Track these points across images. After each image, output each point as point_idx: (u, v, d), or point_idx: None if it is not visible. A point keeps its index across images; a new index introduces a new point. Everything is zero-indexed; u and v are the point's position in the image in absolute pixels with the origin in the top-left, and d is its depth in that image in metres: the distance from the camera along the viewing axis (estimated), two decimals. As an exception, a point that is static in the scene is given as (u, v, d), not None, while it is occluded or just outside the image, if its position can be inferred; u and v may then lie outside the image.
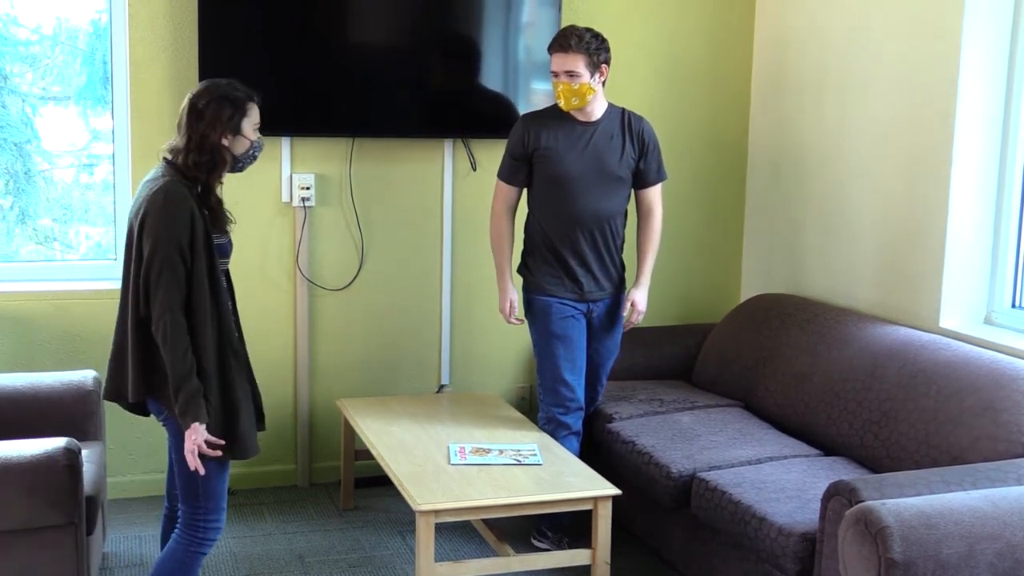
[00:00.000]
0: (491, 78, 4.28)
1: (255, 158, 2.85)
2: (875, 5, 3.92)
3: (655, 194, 3.72)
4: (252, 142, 2.80)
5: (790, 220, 4.41)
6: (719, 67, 4.60)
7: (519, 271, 3.74)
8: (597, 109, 3.58)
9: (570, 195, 3.56)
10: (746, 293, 4.66)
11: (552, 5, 4.25)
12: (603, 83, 3.57)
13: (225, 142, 2.74)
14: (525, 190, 3.70)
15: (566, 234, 3.59)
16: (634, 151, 3.62)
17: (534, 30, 4.22)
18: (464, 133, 4.30)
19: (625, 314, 3.65)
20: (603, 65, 3.51)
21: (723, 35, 4.58)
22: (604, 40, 3.52)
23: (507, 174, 3.65)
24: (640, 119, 3.66)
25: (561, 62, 3.46)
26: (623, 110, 3.65)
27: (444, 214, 4.36)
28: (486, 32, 4.21)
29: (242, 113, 2.76)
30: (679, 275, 4.56)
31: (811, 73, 4.27)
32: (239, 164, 2.82)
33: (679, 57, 4.54)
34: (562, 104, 3.52)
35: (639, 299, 3.65)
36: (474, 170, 4.35)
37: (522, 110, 4.11)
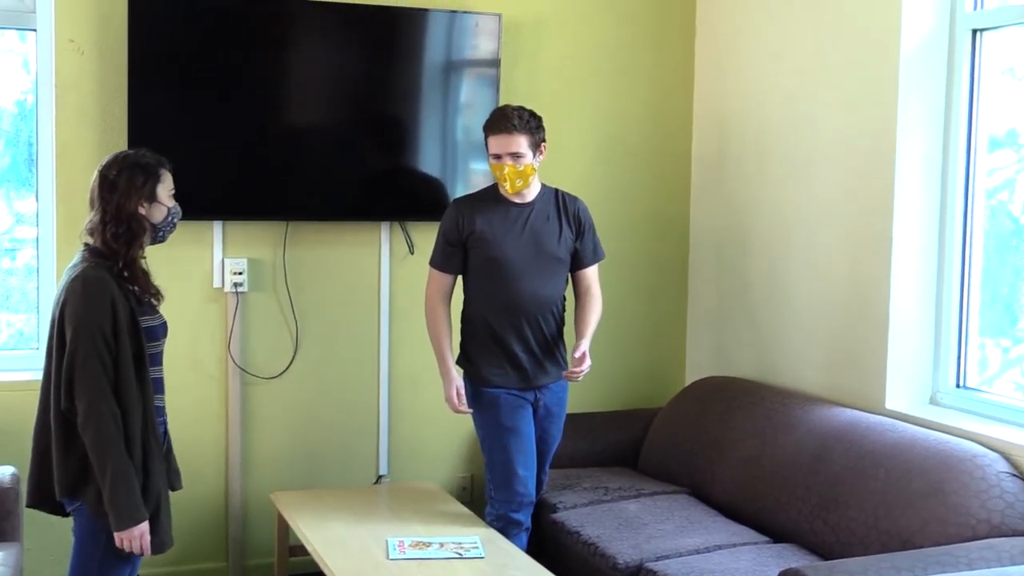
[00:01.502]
0: (429, 159, 4.30)
1: (174, 225, 2.84)
2: (813, 83, 3.96)
3: (593, 274, 3.71)
4: (169, 209, 2.80)
5: (734, 300, 4.42)
6: (658, 145, 4.64)
7: (459, 363, 3.70)
8: (532, 190, 3.59)
9: (510, 279, 3.55)
10: (691, 376, 4.65)
11: (490, 85, 4.28)
12: (540, 163, 3.59)
13: (142, 211, 2.73)
14: (460, 277, 3.70)
15: (508, 320, 3.56)
16: (571, 232, 3.63)
17: (472, 110, 4.24)
18: (401, 215, 4.30)
19: (577, 355, 3.50)
20: (542, 144, 3.54)
21: (661, 113, 4.63)
22: (540, 118, 3.54)
23: (441, 261, 3.62)
24: (575, 199, 3.68)
25: (505, 144, 3.46)
26: (556, 190, 3.66)
27: (381, 298, 4.33)
28: (423, 113, 4.24)
29: (155, 179, 2.76)
30: (621, 358, 4.55)
31: (752, 151, 4.30)
32: (159, 233, 2.81)
33: (617, 135, 4.58)
34: (507, 188, 3.52)
35: (582, 346, 3.53)
36: (411, 253, 4.35)
37: (460, 191, 4.13)
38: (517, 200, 3.57)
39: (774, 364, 4.18)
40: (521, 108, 3.51)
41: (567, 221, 3.62)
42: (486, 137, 3.52)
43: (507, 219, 3.56)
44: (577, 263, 3.68)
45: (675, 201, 4.70)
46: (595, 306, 3.68)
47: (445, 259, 3.62)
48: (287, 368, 4.23)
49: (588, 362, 3.53)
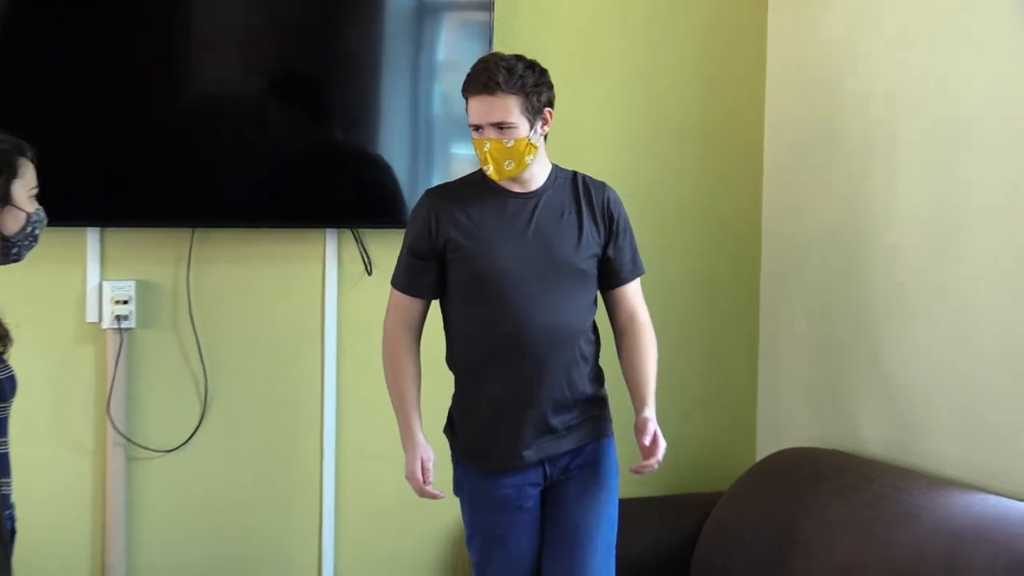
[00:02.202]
0: (392, 141, 4.28)
1: (35, 238, 2.81)
2: (953, 42, 3.95)
3: (636, 294, 3.64)
4: (29, 215, 2.77)
5: (826, 342, 4.41)
6: (715, 123, 4.63)
7: (444, 430, 3.67)
8: (539, 173, 3.55)
9: (508, 303, 3.47)
10: (764, 448, 4.63)
11: (479, 36, 4.24)
12: (545, 136, 3.53)
13: None
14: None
15: (504, 366, 3.48)
16: (598, 231, 3.56)
17: (454, 72, 4.12)
18: (354, 220, 4.26)
19: (647, 441, 3.44)
20: (546, 109, 3.48)
21: (720, 77, 4.64)
22: (544, 72, 3.49)
23: (404, 280, 3.58)
24: (602, 186, 3.63)
25: (485, 109, 3.41)
26: (574, 174, 3.63)
27: (326, 338, 4.31)
28: (384, 77, 4.21)
29: (10, 172, 2.72)
30: (665, 423, 4.31)
31: (857, 134, 4.28)
32: (14, 250, 2.78)
33: (656, 111, 4.57)
34: (491, 172, 3.47)
35: (652, 422, 3.48)
36: (369, 273, 4.32)
37: (440, 181, 4.07)
38: (517, 188, 3.53)
39: (885, 432, 4.16)
40: (513, 58, 3.47)
41: (592, 216, 3.56)
42: (466, 101, 3.50)
43: (502, 215, 3.52)
44: (611, 277, 3.60)
45: (740, 204, 4.70)
46: (647, 342, 3.61)
47: (411, 277, 3.57)
48: (190, 437, 4.19)
49: (662, 445, 3.44)
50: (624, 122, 4.59)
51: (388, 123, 4.29)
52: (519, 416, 3.52)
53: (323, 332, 4.34)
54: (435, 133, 4.34)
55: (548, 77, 3.51)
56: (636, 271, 3.67)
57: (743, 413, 4.77)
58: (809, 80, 4.53)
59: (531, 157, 3.48)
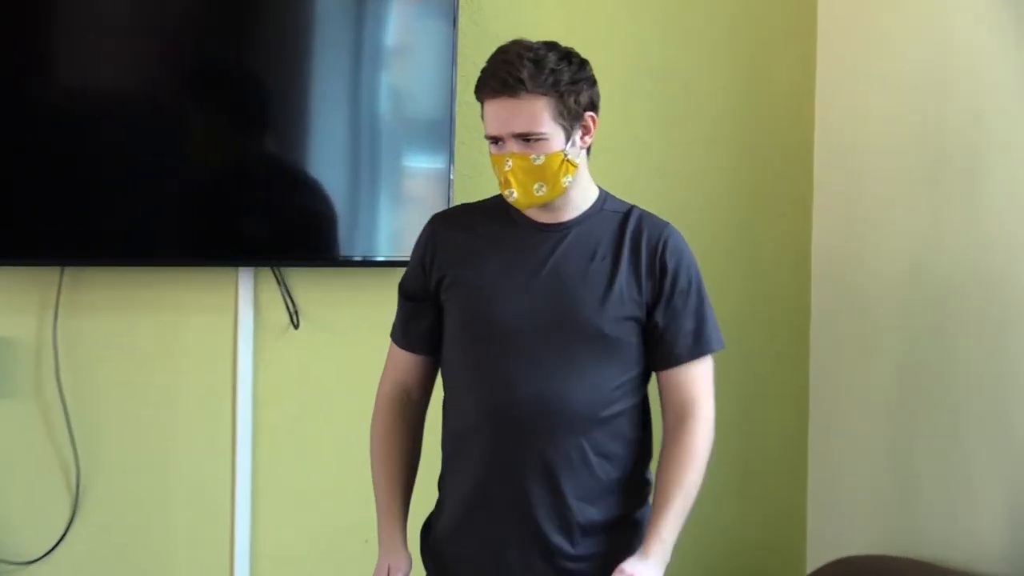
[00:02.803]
0: (327, 152, 4.26)
1: None
2: None
3: (694, 382, 3.50)
4: None
5: (888, 418, 4.49)
6: (752, 133, 4.75)
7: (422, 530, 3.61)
8: (577, 199, 3.46)
9: (492, 364, 3.42)
10: (817, 552, 4.69)
11: (440, 15, 4.25)
12: (588, 149, 3.44)
13: None
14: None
15: (479, 456, 3.43)
16: (639, 287, 3.43)
17: (409, 61, 4.23)
18: (275, 256, 4.26)
19: None
20: (587, 114, 3.38)
21: (759, 75, 4.78)
22: (584, 64, 3.40)
23: (398, 327, 3.59)
24: (661, 226, 3.50)
25: (506, 115, 3.33)
26: (631, 208, 3.53)
27: (238, 410, 4.31)
28: (317, 68, 4.23)
29: None
30: (692, 524, 4.11)
31: (933, 141, 4.34)
32: None
33: (678, 115, 4.65)
34: (515, 198, 3.38)
35: (636, 572, 3.33)
36: (295, 325, 4.31)
37: (387, 206, 4.22)
38: (542, 218, 3.46)
39: (957, 535, 4.21)
40: (542, 47, 3.39)
41: (635, 265, 3.44)
42: (481, 106, 3.41)
43: (514, 249, 3.46)
44: (659, 354, 3.45)
45: (785, 235, 4.79)
46: (689, 455, 3.45)
47: (404, 323, 3.57)
48: (58, 544, 4.17)
49: None
50: (631, 129, 4.59)
51: (320, 128, 4.25)
52: (501, 527, 3.46)
53: (234, 403, 4.32)
54: (383, 140, 4.28)
55: (590, 70, 3.40)
56: (699, 350, 3.48)
57: (789, 504, 4.81)
58: (870, 79, 4.57)
59: (568, 178, 3.39)
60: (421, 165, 4.26)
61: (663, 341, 3.48)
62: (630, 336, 3.46)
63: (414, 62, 4.21)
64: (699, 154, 4.74)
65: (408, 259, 3.63)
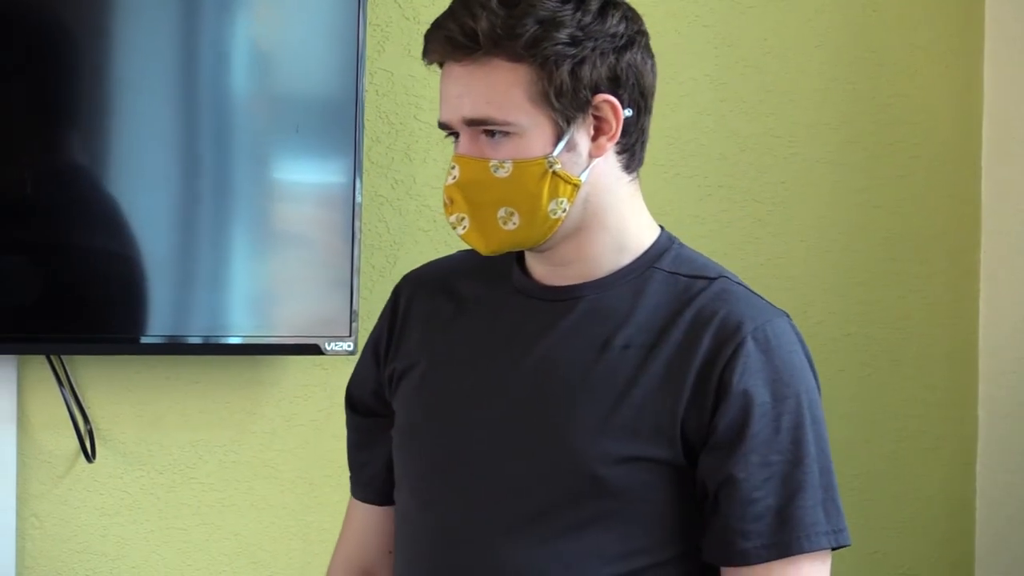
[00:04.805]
0: (139, 164, 3.60)
1: None
2: None
3: None
4: None
5: None
6: (880, 142, 4.30)
7: None
8: (600, 244, 2.73)
9: (436, 519, 2.76)
10: None
11: None
12: (630, 158, 2.59)
13: None
14: None
15: None
16: (678, 408, 2.63)
17: (283, 7, 3.64)
18: (51, 335, 3.57)
19: None
20: (602, 98, 2.58)
21: (894, 64, 4.33)
22: (609, 10, 2.63)
23: (349, 461, 3.09)
24: (755, 313, 2.73)
25: (457, 92, 2.68)
26: (716, 277, 2.80)
27: None
28: (123, 24, 3.58)
29: None
30: None
31: None
32: None
33: (749, 146, 4.19)
34: (468, 229, 2.77)
35: None
36: (89, 457, 3.56)
37: (250, 251, 3.70)
38: (549, 279, 2.76)
39: None
40: None
41: (682, 368, 2.65)
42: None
43: (494, 328, 2.80)
44: (707, 535, 2.68)
45: (944, 290, 4.48)
46: None
47: (353, 456, 3.02)
48: None
49: None
50: (693, 145, 3.99)
51: (130, 122, 3.48)
52: None
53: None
54: (235, 140, 3.51)
55: (617, 22, 2.54)
56: (782, 546, 2.56)
57: None
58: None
59: (562, 205, 2.60)
60: (305, 179, 3.52)
61: (711, 513, 2.61)
62: (648, 490, 2.59)
63: (291, 9, 3.52)
64: (780, 199, 4.16)
65: (283, 339, 3.51)
